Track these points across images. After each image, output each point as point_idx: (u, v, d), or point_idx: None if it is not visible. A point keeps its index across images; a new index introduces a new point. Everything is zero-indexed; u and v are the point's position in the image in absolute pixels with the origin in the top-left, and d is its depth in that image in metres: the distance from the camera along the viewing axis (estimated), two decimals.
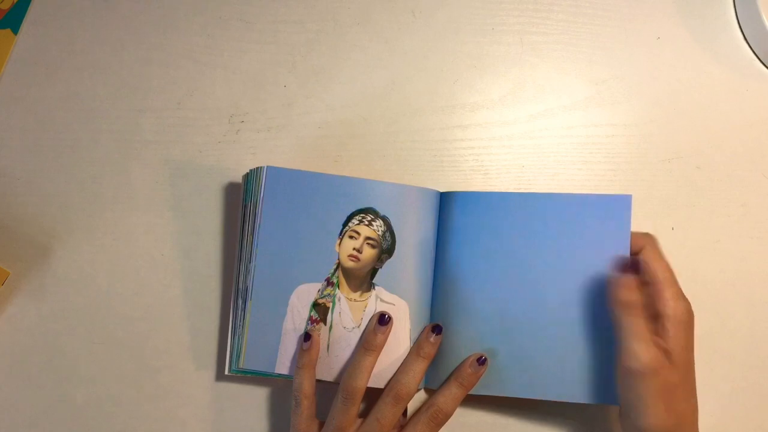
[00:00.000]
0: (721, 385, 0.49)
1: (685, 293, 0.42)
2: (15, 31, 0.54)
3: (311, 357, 0.45)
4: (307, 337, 0.46)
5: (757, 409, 0.49)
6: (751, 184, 0.52)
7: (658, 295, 0.41)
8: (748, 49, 0.54)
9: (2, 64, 0.53)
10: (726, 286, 0.51)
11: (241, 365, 0.46)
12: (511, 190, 0.52)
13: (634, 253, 0.44)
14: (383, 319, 0.45)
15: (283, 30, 0.54)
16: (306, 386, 0.45)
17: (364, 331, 0.46)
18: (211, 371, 0.50)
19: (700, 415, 0.41)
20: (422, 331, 0.46)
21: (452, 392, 0.44)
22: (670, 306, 0.41)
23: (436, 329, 0.46)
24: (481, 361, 0.45)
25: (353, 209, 0.47)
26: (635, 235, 0.44)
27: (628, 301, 0.42)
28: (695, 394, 0.42)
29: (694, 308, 0.41)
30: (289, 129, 0.53)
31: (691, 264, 0.51)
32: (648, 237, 0.44)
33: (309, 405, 0.45)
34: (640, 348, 0.40)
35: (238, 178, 0.52)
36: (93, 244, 0.51)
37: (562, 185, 0.52)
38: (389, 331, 0.46)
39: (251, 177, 0.48)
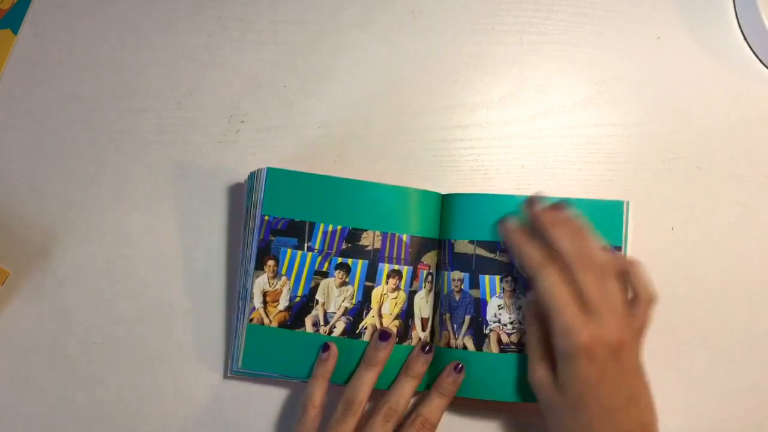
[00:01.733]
0: (721, 385, 0.49)
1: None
2: (15, 31, 0.54)
3: (327, 368, 0.45)
4: (325, 347, 0.45)
5: (757, 409, 0.49)
6: (751, 184, 0.52)
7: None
8: (748, 49, 0.54)
9: (2, 64, 0.53)
10: (726, 286, 0.51)
11: (239, 366, 0.46)
12: (511, 189, 0.52)
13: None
14: (384, 336, 0.45)
15: (283, 30, 0.54)
16: (316, 396, 0.44)
17: (366, 346, 0.46)
18: (211, 371, 0.50)
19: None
20: (413, 350, 0.46)
21: (434, 402, 0.45)
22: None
23: (426, 348, 0.45)
24: (458, 369, 0.45)
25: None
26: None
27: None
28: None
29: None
30: (289, 129, 0.53)
31: (691, 264, 0.51)
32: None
33: (315, 415, 0.44)
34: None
35: (238, 178, 0.52)
36: (93, 244, 0.51)
37: (562, 185, 0.52)
38: (391, 348, 0.45)
39: (251, 179, 0.48)
